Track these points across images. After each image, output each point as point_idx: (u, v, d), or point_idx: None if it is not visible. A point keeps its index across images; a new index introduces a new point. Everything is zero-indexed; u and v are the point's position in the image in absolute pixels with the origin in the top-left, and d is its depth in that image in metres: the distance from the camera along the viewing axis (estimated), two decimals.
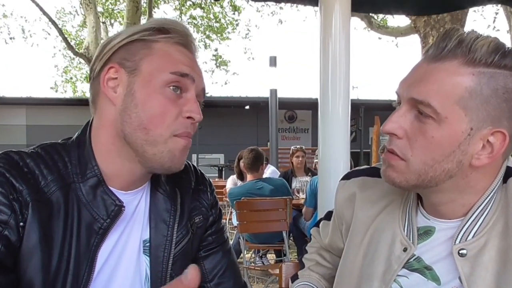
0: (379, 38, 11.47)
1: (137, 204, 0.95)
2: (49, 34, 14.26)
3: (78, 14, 14.23)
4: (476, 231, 0.83)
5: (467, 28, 1.13)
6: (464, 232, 0.84)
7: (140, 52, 0.88)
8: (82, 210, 0.86)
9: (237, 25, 14.70)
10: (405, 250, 0.89)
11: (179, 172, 0.96)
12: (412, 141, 0.82)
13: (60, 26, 13.53)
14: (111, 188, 0.89)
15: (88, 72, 0.94)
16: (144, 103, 0.86)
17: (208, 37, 14.71)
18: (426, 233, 0.89)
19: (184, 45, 0.92)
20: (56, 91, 18.52)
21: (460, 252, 0.82)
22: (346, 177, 1.09)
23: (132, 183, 0.93)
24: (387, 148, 0.86)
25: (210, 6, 13.92)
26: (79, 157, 0.88)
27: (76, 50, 13.04)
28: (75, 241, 0.84)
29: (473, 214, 0.84)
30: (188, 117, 0.89)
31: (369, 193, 1.01)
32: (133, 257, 0.93)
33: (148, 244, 0.95)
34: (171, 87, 0.87)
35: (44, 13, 12.38)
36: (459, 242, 0.83)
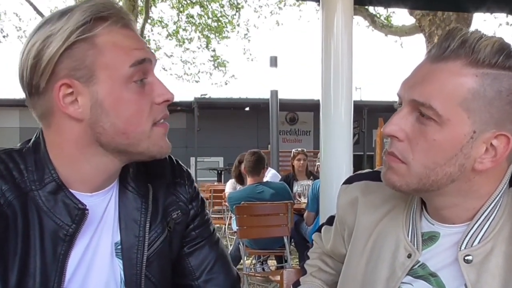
0: (386, 36, 11.40)
1: (106, 206, 0.92)
2: None
3: None
4: (482, 236, 0.83)
5: (473, 28, 1.13)
6: (470, 238, 0.83)
7: (88, 54, 0.81)
8: (43, 218, 0.83)
9: (238, 25, 14.67)
10: (409, 256, 0.89)
11: (151, 166, 0.94)
12: (413, 144, 0.82)
13: None
14: (74, 192, 0.86)
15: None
16: (116, 109, 0.83)
17: (206, 37, 14.70)
18: (430, 238, 0.89)
19: (125, 26, 0.86)
20: None
21: (466, 258, 0.82)
22: (348, 181, 1.09)
23: (100, 184, 0.90)
24: (388, 151, 0.86)
25: (209, 5, 13.92)
26: (36, 162, 0.86)
27: None
28: (39, 252, 0.82)
29: (478, 219, 0.84)
30: (163, 101, 0.87)
31: (371, 197, 1.01)
32: (105, 261, 0.91)
33: (120, 247, 0.93)
34: (136, 82, 0.84)
35: (38, 12, 12.42)
36: (465, 248, 0.83)
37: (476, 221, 0.84)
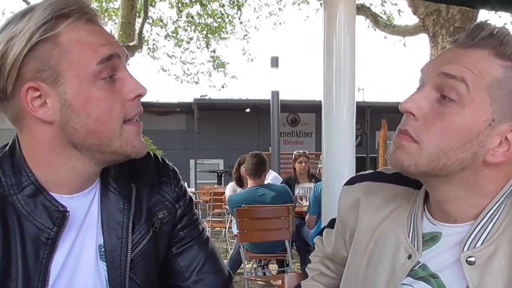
0: (385, 37, 11.41)
1: (88, 208, 0.92)
2: None
3: None
4: (485, 238, 0.83)
5: None
6: (473, 239, 0.84)
7: (52, 54, 0.80)
8: (23, 223, 0.83)
9: (240, 23, 14.64)
10: (409, 257, 0.89)
11: (135, 165, 0.94)
12: (429, 124, 0.82)
13: None
14: (54, 194, 0.86)
15: None
16: (86, 108, 0.82)
17: (206, 37, 14.70)
18: (432, 239, 0.90)
19: (89, 21, 0.84)
20: None
21: (468, 260, 0.83)
22: (350, 182, 1.09)
23: (78, 186, 0.90)
24: (401, 129, 0.86)
25: (209, 4, 13.91)
26: (13, 166, 0.86)
27: None
28: (21, 258, 0.82)
29: (482, 219, 0.84)
30: (135, 97, 0.86)
31: (373, 198, 1.01)
32: (90, 264, 0.91)
33: (103, 249, 0.92)
34: (105, 79, 0.83)
35: None
36: (467, 249, 0.83)
37: (480, 221, 0.84)
